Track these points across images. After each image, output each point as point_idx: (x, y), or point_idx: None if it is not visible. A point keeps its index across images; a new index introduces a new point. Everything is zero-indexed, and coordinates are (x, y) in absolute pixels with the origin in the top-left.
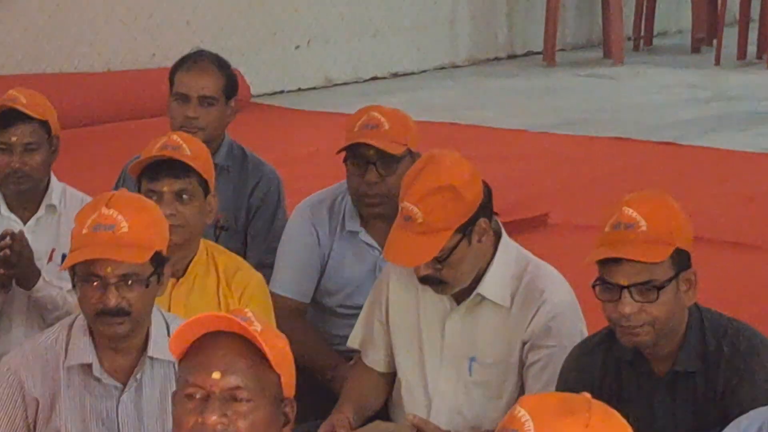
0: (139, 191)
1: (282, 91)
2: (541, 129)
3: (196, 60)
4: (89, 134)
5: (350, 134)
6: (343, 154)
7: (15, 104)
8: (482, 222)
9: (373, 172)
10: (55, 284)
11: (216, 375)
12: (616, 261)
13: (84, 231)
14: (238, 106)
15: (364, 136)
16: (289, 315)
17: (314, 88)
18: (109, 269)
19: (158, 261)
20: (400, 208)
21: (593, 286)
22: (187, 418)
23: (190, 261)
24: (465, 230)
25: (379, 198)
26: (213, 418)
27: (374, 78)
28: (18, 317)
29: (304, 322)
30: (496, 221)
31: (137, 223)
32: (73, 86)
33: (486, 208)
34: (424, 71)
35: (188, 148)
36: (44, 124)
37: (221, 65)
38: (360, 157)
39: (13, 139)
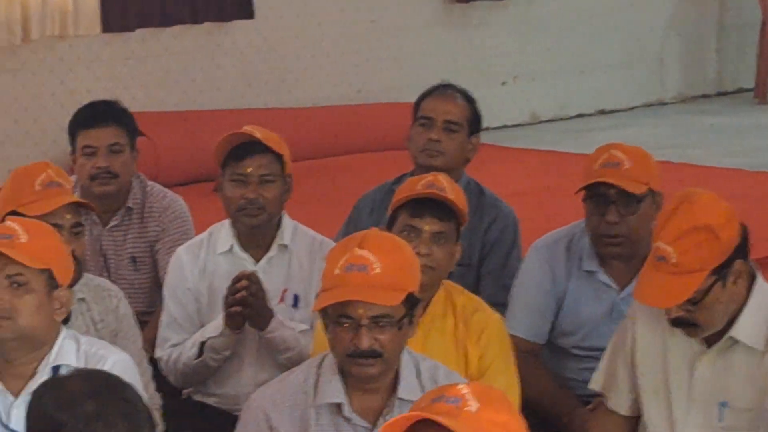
0: (390, 226)
1: (487, 128)
2: (759, 168)
3: (444, 88)
4: (294, 170)
5: (590, 173)
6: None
7: (251, 136)
8: (738, 264)
9: (614, 211)
10: (287, 325)
11: None
12: None
13: (336, 271)
14: (479, 145)
15: (604, 174)
16: (524, 356)
17: (519, 125)
18: (361, 311)
19: (410, 303)
20: (653, 248)
21: None
22: None
23: (429, 301)
24: (720, 272)
25: (619, 238)
26: None
27: (580, 115)
28: (249, 358)
29: (540, 363)
30: (750, 263)
31: (390, 264)
32: (279, 121)
33: (742, 250)
34: (632, 108)
35: (451, 191)
36: (279, 158)
37: (468, 98)
38: (600, 196)
39: (249, 170)
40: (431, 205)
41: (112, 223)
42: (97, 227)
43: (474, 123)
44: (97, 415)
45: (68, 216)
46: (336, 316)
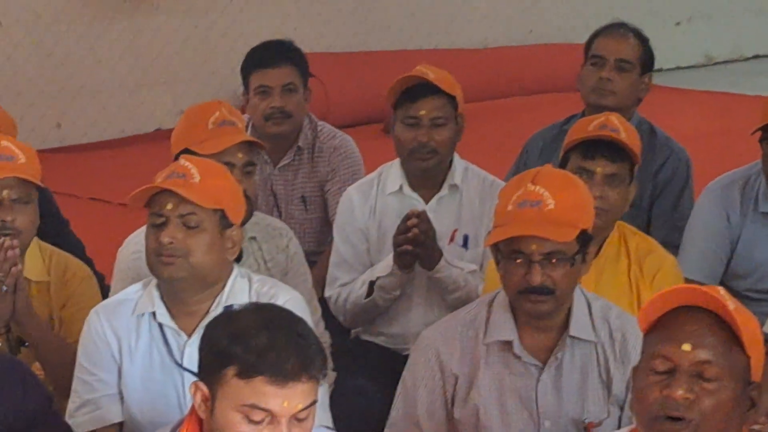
0: (562, 168)
1: (660, 70)
2: None
3: (616, 27)
4: (465, 112)
5: (766, 114)
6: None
7: (424, 78)
8: None
9: None
10: (456, 265)
11: (686, 347)
12: None
13: (509, 207)
14: (651, 84)
15: None
16: None
17: (693, 67)
18: (534, 246)
19: (583, 239)
20: None
21: None
22: (651, 391)
23: (602, 243)
24: None
25: None
26: (679, 392)
27: (756, 56)
28: (418, 297)
29: None
30: None
31: (563, 200)
32: (449, 63)
33: None
34: None
35: (624, 132)
36: (452, 100)
37: (640, 37)
38: None
39: (422, 112)
40: (604, 147)
41: (282, 163)
42: (268, 167)
43: (646, 62)
44: (269, 348)
45: (240, 155)
46: (508, 251)
